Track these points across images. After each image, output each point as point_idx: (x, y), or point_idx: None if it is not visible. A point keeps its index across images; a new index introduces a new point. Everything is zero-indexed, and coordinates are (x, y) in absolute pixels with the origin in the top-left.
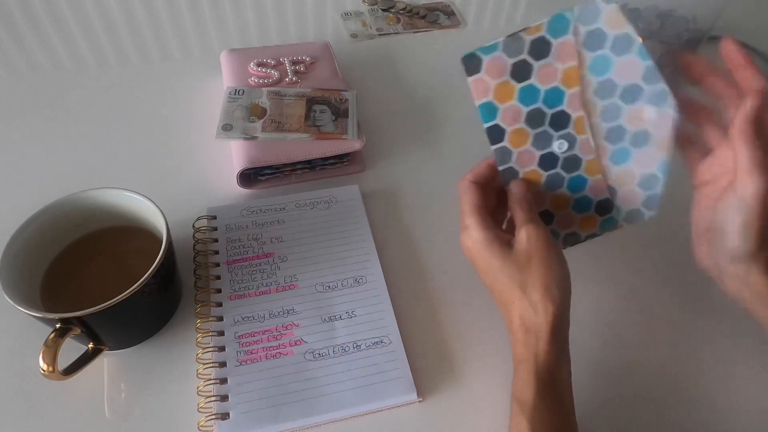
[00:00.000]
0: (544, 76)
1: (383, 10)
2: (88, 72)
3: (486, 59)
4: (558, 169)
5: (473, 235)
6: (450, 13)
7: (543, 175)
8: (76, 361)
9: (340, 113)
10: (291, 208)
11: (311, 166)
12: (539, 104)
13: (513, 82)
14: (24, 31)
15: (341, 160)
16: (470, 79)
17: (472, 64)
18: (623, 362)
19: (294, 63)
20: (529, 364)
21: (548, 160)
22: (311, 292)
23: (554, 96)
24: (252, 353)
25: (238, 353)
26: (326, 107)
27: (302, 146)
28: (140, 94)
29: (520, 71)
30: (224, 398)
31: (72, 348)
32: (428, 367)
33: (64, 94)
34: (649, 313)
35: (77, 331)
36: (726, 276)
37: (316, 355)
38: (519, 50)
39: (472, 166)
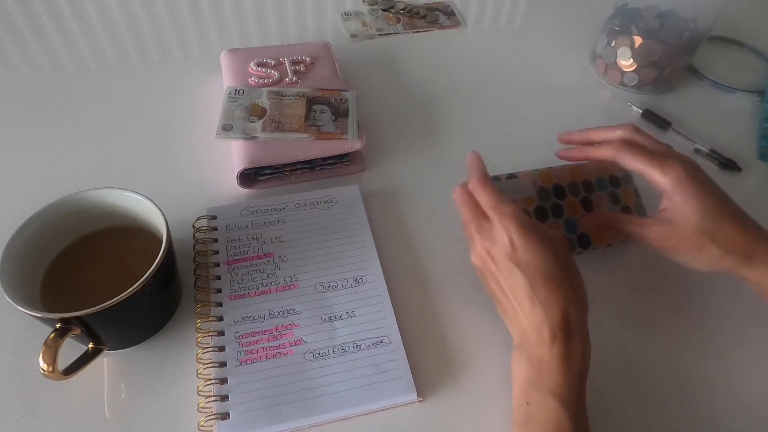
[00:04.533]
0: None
1: (383, 10)
2: (88, 72)
3: None
4: None
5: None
6: (450, 13)
7: None
8: (76, 361)
9: (340, 113)
10: (291, 208)
11: (311, 166)
12: None
13: None
14: (24, 31)
15: (341, 160)
16: None
17: None
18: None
19: (294, 63)
20: (575, 363)
21: None
22: (311, 292)
23: None
24: (252, 353)
25: (238, 353)
26: (326, 107)
27: (302, 146)
28: (140, 94)
29: None
30: (224, 398)
31: (72, 348)
32: (428, 367)
33: (64, 94)
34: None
35: (77, 331)
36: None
37: (316, 355)
38: None
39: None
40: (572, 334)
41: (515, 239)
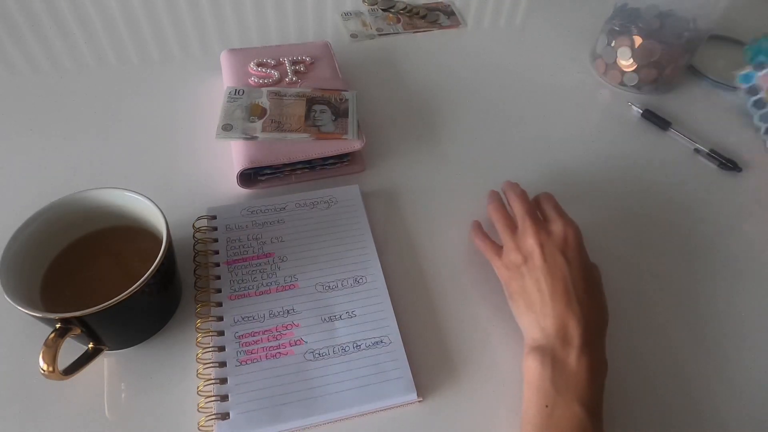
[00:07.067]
0: None
1: (383, 10)
2: (88, 72)
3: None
4: None
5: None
6: (450, 13)
7: None
8: (76, 361)
9: (340, 113)
10: (291, 208)
11: (311, 166)
12: None
13: None
14: (24, 31)
15: (341, 160)
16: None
17: None
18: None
19: (294, 63)
20: (601, 374)
21: None
22: (311, 292)
23: None
24: (252, 353)
25: (238, 353)
26: (326, 107)
27: (302, 146)
28: (140, 94)
29: None
30: (224, 398)
31: (72, 348)
32: (428, 367)
33: (65, 94)
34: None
35: (77, 331)
36: None
37: (316, 355)
38: None
39: (471, 166)
40: (600, 346)
41: (570, 238)
